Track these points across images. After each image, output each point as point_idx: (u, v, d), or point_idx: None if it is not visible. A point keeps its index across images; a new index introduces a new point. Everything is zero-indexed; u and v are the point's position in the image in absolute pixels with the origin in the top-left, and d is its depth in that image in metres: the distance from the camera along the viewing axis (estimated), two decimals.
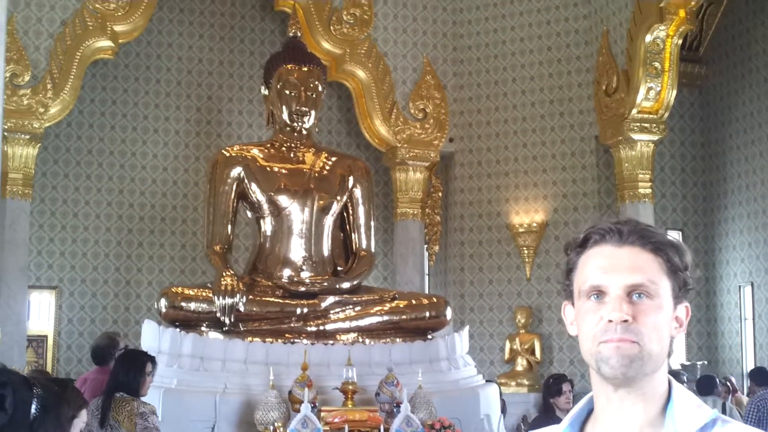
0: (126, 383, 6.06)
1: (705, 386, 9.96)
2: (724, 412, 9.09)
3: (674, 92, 12.54)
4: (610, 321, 1.77)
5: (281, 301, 8.57)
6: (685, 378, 10.90)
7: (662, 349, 1.79)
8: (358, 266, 9.23)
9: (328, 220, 9.25)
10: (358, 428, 7.14)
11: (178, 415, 7.37)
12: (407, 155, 13.76)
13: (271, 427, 7.10)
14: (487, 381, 9.47)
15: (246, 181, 9.11)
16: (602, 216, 13.21)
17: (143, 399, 6.14)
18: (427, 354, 8.52)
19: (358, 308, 8.72)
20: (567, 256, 1.92)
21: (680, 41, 12.45)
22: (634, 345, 1.76)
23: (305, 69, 9.37)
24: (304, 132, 9.36)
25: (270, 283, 8.78)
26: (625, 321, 1.76)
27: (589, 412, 1.90)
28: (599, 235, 1.85)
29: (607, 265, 1.81)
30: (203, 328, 8.26)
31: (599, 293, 1.81)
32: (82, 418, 3.55)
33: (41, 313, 13.89)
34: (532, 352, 13.70)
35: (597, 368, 1.80)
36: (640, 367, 1.76)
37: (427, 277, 14.71)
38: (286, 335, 8.38)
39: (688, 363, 13.73)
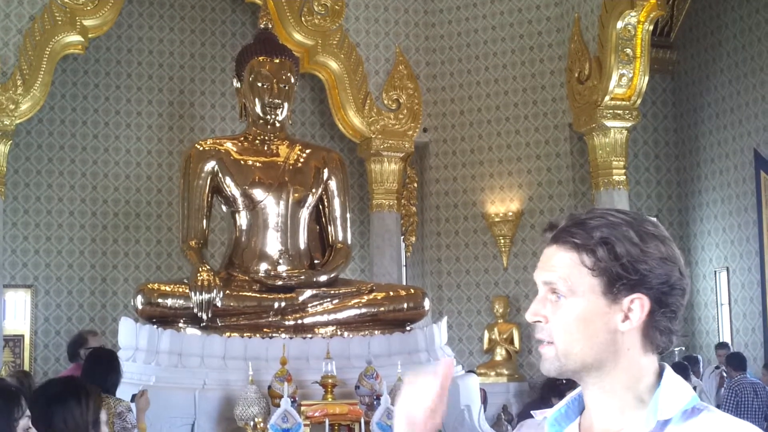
0: (109, 382, 6.03)
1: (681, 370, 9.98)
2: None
3: (646, 78, 12.53)
4: None
5: (258, 295, 8.55)
6: (701, 363, 10.99)
7: (591, 348, 1.74)
8: (335, 259, 9.22)
9: (304, 213, 9.22)
10: (338, 422, 7.14)
11: (157, 412, 7.32)
12: (382, 146, 13.72)
13: (252, 423, 7.08)
14: (466, 372, 9.49)
15: (220, 175, 9.06)
16: (576, 206, 13.29)
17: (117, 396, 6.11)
18: (406, 345, 8.53)
19: (335, 301, 8.71)
20: None
21: (651, 27, 12.45)
22: (551, 346, 1.76)
23: (277, 61, 9.33)
24: (278, 124, 9.32)
25: (247, 278, 8.75)
26: (538, 321, 1.79)
27: None
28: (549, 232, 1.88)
29: (538, 263, 1.85)
30: (180, 324, 8.23)
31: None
32: (103, 418, 3.69)
33: (17, 313, 13.75)
34: (511, 342, 13.70)
35: None
36: (560, 367, 1.76)
37: (404, 268, 14.67)
38: (264, 330, 8.36)
39: None
